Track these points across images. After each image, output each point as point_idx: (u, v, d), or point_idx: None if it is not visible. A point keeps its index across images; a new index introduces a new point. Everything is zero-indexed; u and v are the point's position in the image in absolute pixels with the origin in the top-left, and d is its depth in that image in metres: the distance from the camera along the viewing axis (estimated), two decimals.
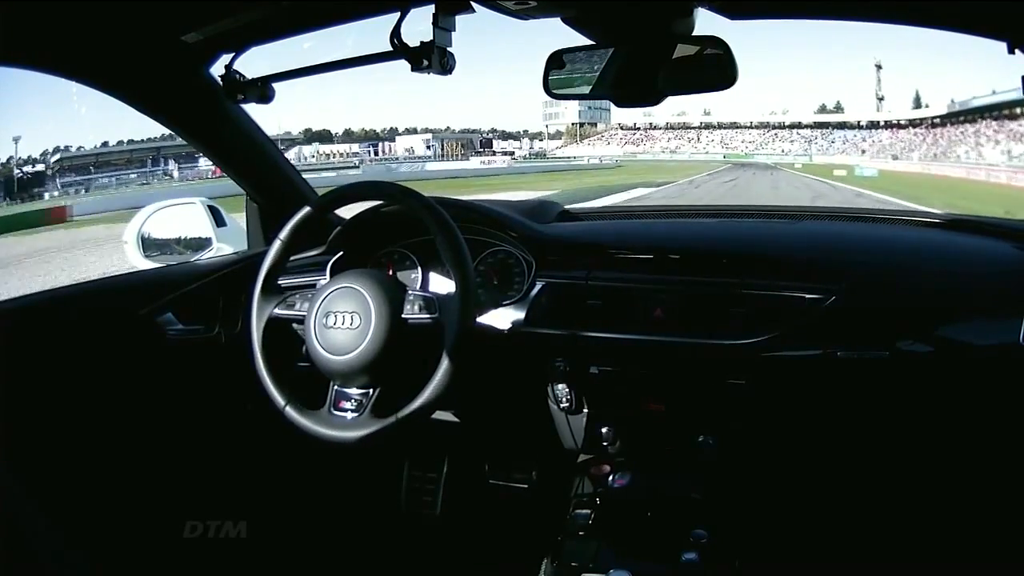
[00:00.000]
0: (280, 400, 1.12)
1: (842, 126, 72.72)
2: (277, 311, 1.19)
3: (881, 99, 73.38)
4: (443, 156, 70.36)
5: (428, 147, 75.68)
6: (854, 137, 69.11)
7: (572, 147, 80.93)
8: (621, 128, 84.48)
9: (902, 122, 66.24)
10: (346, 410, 1.11)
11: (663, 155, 70.63)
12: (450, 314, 1.08)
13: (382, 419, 1.07)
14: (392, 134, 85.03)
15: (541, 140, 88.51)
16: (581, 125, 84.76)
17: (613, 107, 1.30)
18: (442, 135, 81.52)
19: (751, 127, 78.80)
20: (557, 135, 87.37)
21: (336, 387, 1.13)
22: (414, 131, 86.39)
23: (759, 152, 67.90)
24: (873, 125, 69.60)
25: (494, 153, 73.92)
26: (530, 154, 77.25)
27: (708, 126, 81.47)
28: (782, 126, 76.98)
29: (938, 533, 1.30)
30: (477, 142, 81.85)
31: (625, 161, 60.84)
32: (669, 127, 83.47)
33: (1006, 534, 1.24)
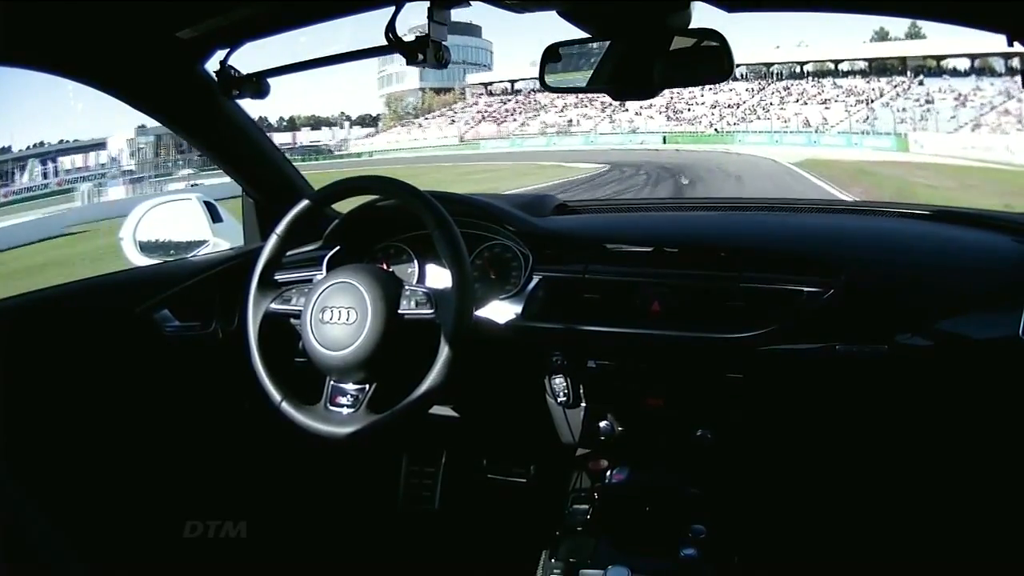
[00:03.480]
0: (276, 395, 1.11)
1: (934, 70, 34.40)
2: (273, 306, 1.19)
3: None
4: (151, 162, 42.58)
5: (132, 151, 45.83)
6: (997, 94, 30.31)
7: (393, 133, 50.96)
8: (488, 93, 51.41)
9: None
10: (342, 406, 1.11)
11: (539, 140, 39.87)
12: (447, 309, 1.08)
13: (378, 414, 1.07)
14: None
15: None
16: (422, 91, 54.26)
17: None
18: (151, 131, 45.36)
19: (734, 78, 32.39)
20: (398, 115, 55.39)
21: (332, 382, 1.13)
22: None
23: (746, 130, 34.39)
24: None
25: None
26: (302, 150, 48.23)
27: None
28: (798, 73, 39.74)
29: (937, 528, 1.31)
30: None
31: (382, 160, 35.22)
32: None
33: (1006, 530, 1.25)
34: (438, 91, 54.43)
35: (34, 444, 1.16)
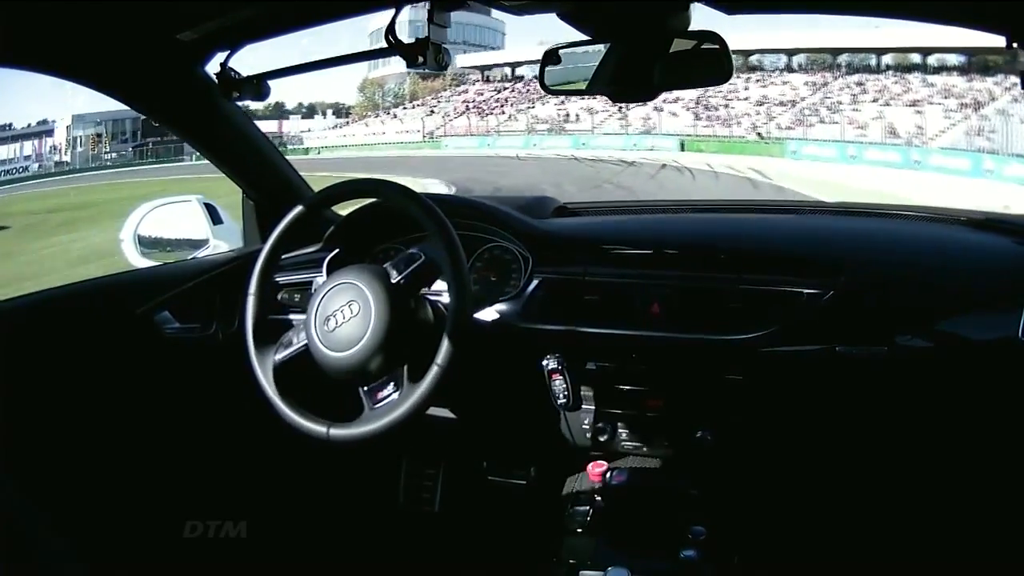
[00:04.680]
0: (322, 429, 1.07)
1: None
2: (279, 357, 1.14)
3: None
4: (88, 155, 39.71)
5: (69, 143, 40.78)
6: None
7: (361, 124, 42.34)
8: (484, 79, 41.41)
9: None
10: (386, 397, 1.08)
11: (520, 139, 30.39)
12: (434, 249, 1.08)
13: (424, 381, 1.04)
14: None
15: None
16: (408, 76, 43.81)
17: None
18: (89, 120, 41.05)
19: (789, 69, 31.12)
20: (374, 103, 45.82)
21: (364, 390, 1.10)
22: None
23: (803, 137, 24.30)
24: None
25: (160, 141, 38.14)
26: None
27: None
28: (874, 66, 29.03)
29: (937, 529, 1.31)
30: (131, 130, 41.78)
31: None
32: None
33: (1006, 530, 1.25)
34: (425, 76, 43.57)
35: (35, 445, 1.16)
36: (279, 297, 1.41)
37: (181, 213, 1.68)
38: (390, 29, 1.08)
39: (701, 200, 1.84)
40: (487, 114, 36.91)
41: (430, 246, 1.08)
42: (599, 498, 1.23)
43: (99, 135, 42.28)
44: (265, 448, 1.48)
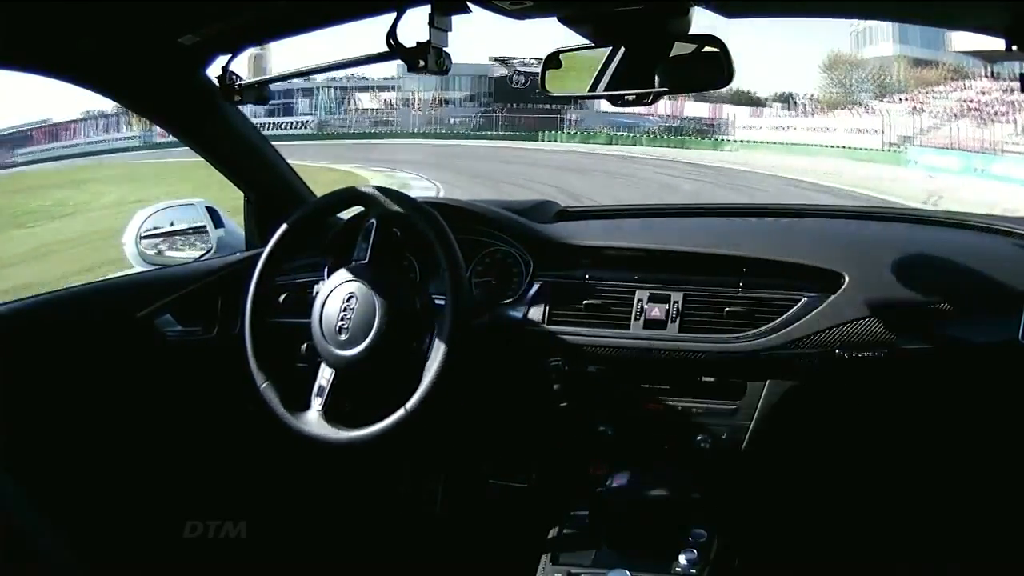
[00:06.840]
0: (399, 414, 1.08)
1: None
2: (321, 408, 1.15)
3: None
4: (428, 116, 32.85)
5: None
6: None
7: (826, 116, 28.35)
8: (991, 75, 23.04)
9: None
10: (433, 337, 1.10)
11: (1003, 166, 16.33)
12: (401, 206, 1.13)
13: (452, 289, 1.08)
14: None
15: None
16: (896, 61, 29.17)
17: None
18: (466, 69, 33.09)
19: None
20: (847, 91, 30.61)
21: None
22: None
23: None
24: None
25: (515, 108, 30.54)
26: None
27: None
28: None
29: (938, 532, 1.31)
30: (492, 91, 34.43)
31: None
32: None
33: (1007, 533, 1.24)
34: (917, 63, 29.50)
35: (36, 447, 1.17)
36: (281, 300, 1.42)
37: (183, 217, 1.69)
38: (391, 32, 1.08)
39: (702, 204, 1.84)
40: (988, 122, 23.31)
41: (376, 208, 1.14)
42: (600, 501, 1.23)
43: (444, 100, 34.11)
44: (266, 449, 1.48)
